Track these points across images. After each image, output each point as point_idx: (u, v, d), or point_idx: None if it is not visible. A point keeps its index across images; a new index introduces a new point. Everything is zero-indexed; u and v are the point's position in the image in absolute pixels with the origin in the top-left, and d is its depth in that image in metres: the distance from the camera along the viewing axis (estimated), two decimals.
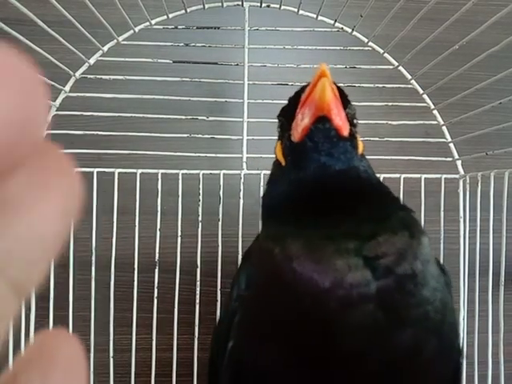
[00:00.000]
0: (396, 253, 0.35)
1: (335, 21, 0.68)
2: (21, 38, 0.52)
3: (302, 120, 0.39)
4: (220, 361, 0.41)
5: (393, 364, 0.34)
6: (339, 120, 0.38)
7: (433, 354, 0.36)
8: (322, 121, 0.38)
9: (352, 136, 0.41)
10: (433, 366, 0.37)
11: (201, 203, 0.67)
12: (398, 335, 0.34)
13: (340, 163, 0.39)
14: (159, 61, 0.70)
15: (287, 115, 0.43)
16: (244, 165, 0.69)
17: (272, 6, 0.69)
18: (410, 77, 0.69)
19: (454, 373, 0.41)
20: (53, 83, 0.62)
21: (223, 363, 0.40)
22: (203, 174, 0.68)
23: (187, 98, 0.70)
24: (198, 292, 0.67)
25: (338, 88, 0.40)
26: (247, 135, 0.69)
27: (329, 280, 0.33)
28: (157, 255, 0.67)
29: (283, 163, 0.44)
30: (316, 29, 0.69)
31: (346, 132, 0.39)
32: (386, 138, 0.69)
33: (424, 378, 0.37)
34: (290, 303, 0.35)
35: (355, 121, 0.42)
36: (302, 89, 0.41)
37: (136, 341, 0.67)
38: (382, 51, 0.69)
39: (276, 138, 0.68)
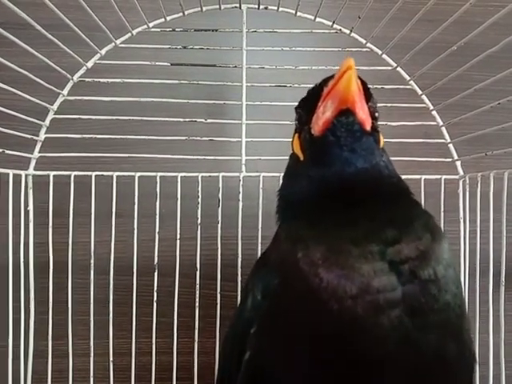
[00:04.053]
0: (420, 257, 0.34)
1: (333, 22, 0.68)
2: (18, 41, 0.52)
3: (324, 113, 0.38)
4: (234, 372, 0.40)
5: (418, 368, 0.34)
6: (363, 114, 0.37)
7: (454, 359, 0.36)
8: (345, 114, 0.37)
9: (374, 130, 0.40)
10: (453, 371, 0.36)
11: (200, 206, 0.67)
12: (422, 340, 0.34)
13: (362, 160, 0.38)
14: (157, 63, 0.70)
15: (306, 108, 0.42)
16: (243, 167, 0.68)
17: (270, 7, 0.69)
18: (408, 78, 0.69)
19: (469, 378, 0.40)
20: (51, 87, 0.62)
21: (238, 374, 0.39)
22: (202, 177, 0.68)
23: (185, 101, 0.70)
24: (197, 295, 0.67)
25: (362, 81, 0.39)
26: (246, 137, 0.69)
27: (356, 285, 0.33)
28: (156, 258, 0.67)
29: (301, 157, 0.43)
30: (314, 30, 0.69)
31: (368, 126, 0.38)
32: (385, 139, 0.69)
33: (445, 382, 0.36)
34: (316, 309, 0.34)
35: (377, 114, 0.41)
36: (324, 81, 0.39)
37: (136, 344, 0.67)
38: (380, 52, 0.69)
39: (276, 139, 0.68)
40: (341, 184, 0.38)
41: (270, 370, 0.37)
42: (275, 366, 0.37)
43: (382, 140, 0.43)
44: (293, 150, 0.46)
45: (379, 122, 0.66)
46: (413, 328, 0.33)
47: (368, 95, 0.40)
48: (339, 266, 0.34)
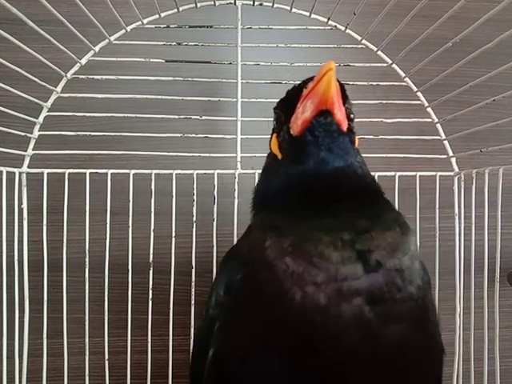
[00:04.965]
0: (387, 247, 0.35)
1: (328, 19, 0.68)
2: (10, 37, 0.51)
3: (303, 113, 0.39)
4: (201, 368, 0.41)
5: (380, 358, 0.34)
6: (340, 115, 0.38)
7: (417, 351, 0.36)
8: (323, 115, 0.38)
9: (350, 131, 0.41)
10: (418, 363, 0.37)
11: (195, 203, 0.67)
12: (384, 330, 0.34)
13: (338, 159, 0.40)
14: (151, 60, 0.69)
15: (285, 108, 0.43)
16: (238, 164, 0.68)
17: (265, 4, 0.68)
18: (403, 74, 0.69)
19: (438, 370, 0.41)
20: (44, 84, 0.61)
21: (204, 370, 0.40)
22: (197, 174, 0.67)
23: (180, 98, 0.69)
24: (193, 292, 0.66)
25: (339, 83, 0.40)
26: (241, 134, 0.69)
27: (321, 272, 0.33)
28: (151, 256, 0.66)
29: (279, 156, 0.44)
30: (309, 27, 0.69)
31: (345, 127, 0.39)
32: (380, 136, 0.69)
33: (410, 374, 0.36)
34: (280, 299, 0.34)
35: (352, 115, 0.43)
36: (304, 82, 0.41)
37: (131, 342, 0.67)
38: (375, 49, 0.68)
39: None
40: (317, 180, 0.39)
41: (233, 366, 0.37)
42: (238, 361, 0.37)
43: (357, 141, 0.44)
44: (270, 149, 0.46)
45: (374, 119, 0.66)
46: (374, 317, 0.34)
47: (344, 97, 0.41)
48: (307, 253, 0.34)
